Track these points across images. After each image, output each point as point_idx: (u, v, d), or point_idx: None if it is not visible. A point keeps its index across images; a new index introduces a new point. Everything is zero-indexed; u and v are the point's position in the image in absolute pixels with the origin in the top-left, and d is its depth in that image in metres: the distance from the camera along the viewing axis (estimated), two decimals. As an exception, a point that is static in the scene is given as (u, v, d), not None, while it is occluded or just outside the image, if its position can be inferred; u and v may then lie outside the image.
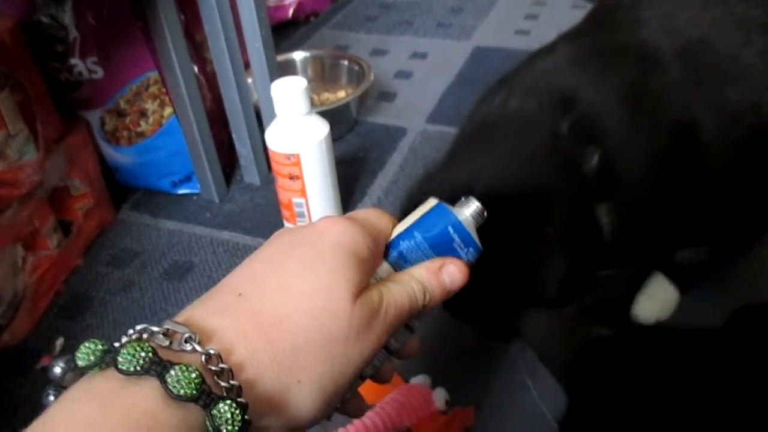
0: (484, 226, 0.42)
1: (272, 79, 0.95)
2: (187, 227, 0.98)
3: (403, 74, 1.34)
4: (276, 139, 0.85)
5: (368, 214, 0.40)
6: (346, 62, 1.24)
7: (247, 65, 0.99)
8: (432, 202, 0.41)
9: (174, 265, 0.91)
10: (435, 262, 0.39)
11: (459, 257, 0.40)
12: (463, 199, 0.42)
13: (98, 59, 0.91)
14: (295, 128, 0.84)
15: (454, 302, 0.55)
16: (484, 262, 0.42)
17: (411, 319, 0.40)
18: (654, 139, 0.58)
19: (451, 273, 0.39)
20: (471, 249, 0.40)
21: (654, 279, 0.76)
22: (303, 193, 0.87)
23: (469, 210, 0.41)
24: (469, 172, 0.55)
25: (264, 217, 0.98)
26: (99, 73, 0.92)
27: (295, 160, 0.84)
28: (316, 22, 1.62)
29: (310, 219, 0.89)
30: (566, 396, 0.44)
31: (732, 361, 0.39)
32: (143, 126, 0.97)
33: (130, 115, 0.96)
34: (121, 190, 1.04)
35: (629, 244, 0.59)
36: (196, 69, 0.97)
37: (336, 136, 0.97)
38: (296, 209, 0.89)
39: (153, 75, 0.93)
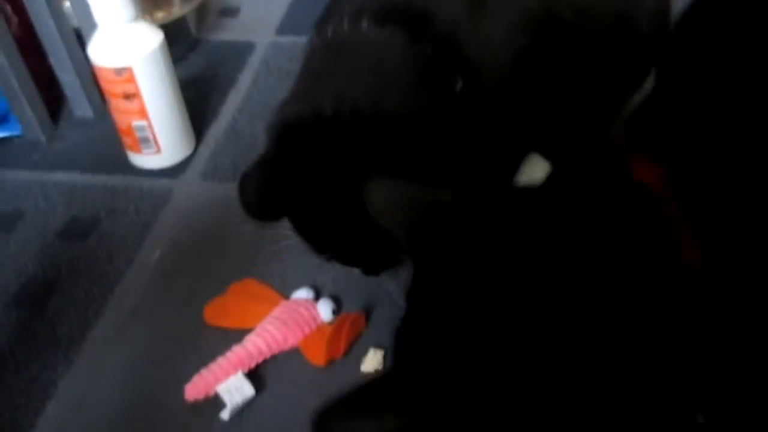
0: None
1: None
2: (10, 174, 0.84)
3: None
4: (101, 52, 0.73)
5: None
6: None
7: (55, -23, 0.84)
8: None
9: (-1, 216, 0.78)
10: None
11: None
12: None
13: None
14: (122, 38, 0.73)
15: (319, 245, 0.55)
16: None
17: None
18: (514, 41, 0.54)
19: None
20: None
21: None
22: (143, 113, 0.76)
23: None
24: (333, 95, 0.51)
25: (102, 151, 0.86)
26: None
27: (127, 75, 0.73)
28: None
29: (156, 144, 0.79)
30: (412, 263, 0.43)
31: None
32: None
33: None
34: None
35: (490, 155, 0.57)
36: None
37: (176, 57, 0.86)
38: (138, 134, 0.78)
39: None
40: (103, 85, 0.76)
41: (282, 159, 0.53)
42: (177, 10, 1.07)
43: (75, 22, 0.88)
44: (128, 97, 0.74)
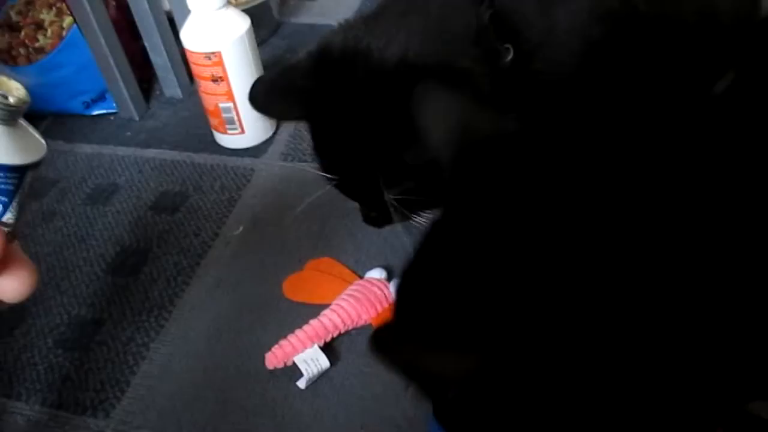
0: None
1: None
2: (107, 149, 0.90)
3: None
4: (192, 37, 0.77)
5: None
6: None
7: (150, -37, 0.89)
8: None
9: (97, 189, 0.84)
10: None
11: None
12: None
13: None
14: (213, 24, 0.77)
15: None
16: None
17: None
18: (584, 32, 0.54)
19: None
20: None
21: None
22: (230, 95, 0.80)
23: None
24: (396, 43, 0.51)
25: (190, 129, 0.91)
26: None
27: (216, 59, 0.77)
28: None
29: (241, 125, 0.83)
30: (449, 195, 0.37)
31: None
32: (42, 40, 0.87)
33: (25, 28, 0.86)
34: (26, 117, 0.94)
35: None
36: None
37: (259, 40, 0.90)
38: (224, 115, 0.82)
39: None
40: (193, 67, 0.80)
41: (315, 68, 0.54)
42: None
43: (167, 6, 0.93)
44: (216, 80, 0.78)
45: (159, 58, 0.94)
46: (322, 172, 0.57)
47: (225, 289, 0.70)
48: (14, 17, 0.84)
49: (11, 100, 0.30)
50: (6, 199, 0.31)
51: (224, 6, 0.76)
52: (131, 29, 0.95)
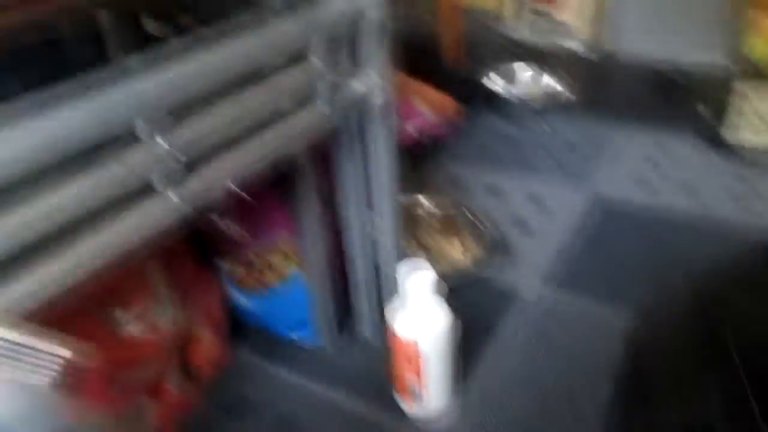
0: None
1: (399, 256, 0.98)
2: (297, 377, 1.00)
3: (517, 221, 1.33)
4: (396, 319, 0.87)
5: None
6: (464, 211, 1.27)
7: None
8: None
9: (279, 417, 0.93)
10: None
11: None
12: None
13: (235, 218, 0.97)
14: (417, 314, 0.85)
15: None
16: None
17: None
18: None
19: None
20: None
21: None
22: (418, 373, 0.87)
23: None
24: None
25: (378, 377, 0.98)
26: (234, 229, 0.98)
27: (413, 345, 0.85)
28: (432, 147, 1.65)
29: (422, 398, 0.90)
30: None
31: None
32: (269, 277, 1.01)
33: (258, 265, 1.01)
34: (241, 330, 1.08)
35: None
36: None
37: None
38: (409, 385, 0.89)
39: (283, 233, 0.98)
40: (391, 338, 0.89)
41: None
42: (457, 244, 1.21)
43: (378, 258, 1.04)
44: (409, 359, 0.86)
45: (361, 305, 1.05)
46: None
47: None
48: (252, 257, 1.00)
49: None
50: None
51: (432, 298, 0.85)
52: (340, 267, 1.07)
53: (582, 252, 1.23)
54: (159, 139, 0.57)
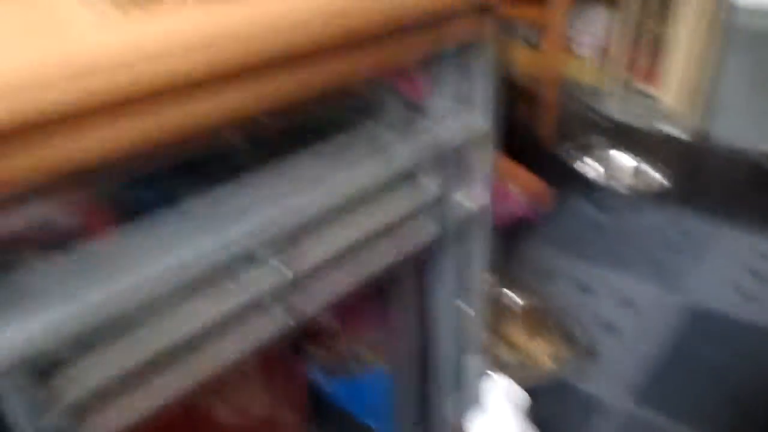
0: None
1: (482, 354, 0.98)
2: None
3: (605, 323, 1.30)
4: (474, 427, 0.86)
5: None
6: (550, 309, 1.25)
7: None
8: None
9: None
10: None
11: None
12: None
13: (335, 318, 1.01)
14: (496, 425, 0.85)
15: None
16: None
17: None
18: None
19: None
20: None
21: None
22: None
23: None
24: None
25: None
26: (327, 321, 1.01)
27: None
28: (521, 231, 1.64)
29: None
30: None
31: None
32: (353, 367, 1.04)
33: (345, 353, 1.03)
34: (323, 412, 1.10)
35: None
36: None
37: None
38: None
39: (372, 326, 1.00)
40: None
41: None
42: (543, 344, 1.20)
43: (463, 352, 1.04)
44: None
45: (442, 401, 1.05)
46: None
47: None
48: (341, 348, 1.03)
49: None
50: None
51: (514, 408, 0.85)
52: (423, 366, 1.08)
53: (669, 363, 1.19)
54: (274, 261, 0.61)
